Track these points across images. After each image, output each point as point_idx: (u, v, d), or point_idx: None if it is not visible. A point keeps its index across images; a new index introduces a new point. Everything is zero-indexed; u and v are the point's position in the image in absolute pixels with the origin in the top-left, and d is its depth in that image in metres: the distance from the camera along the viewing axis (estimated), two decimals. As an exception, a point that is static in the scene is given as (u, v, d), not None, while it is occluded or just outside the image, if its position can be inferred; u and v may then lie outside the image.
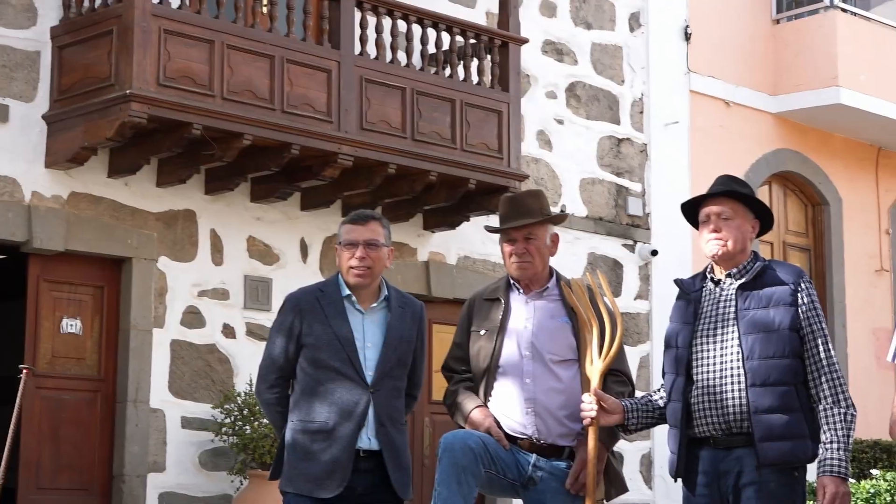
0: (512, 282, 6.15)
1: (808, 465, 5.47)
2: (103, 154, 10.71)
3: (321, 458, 5.85)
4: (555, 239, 6.19)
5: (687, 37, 15.35)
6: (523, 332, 6.01)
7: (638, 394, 6.07)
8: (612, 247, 14.25)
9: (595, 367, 5.70)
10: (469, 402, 6.02)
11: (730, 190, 5.62)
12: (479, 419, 5.93)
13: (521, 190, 6.18)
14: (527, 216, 6.05)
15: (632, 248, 14.44)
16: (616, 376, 6.01)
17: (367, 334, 5.99)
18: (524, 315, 6.05)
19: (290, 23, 10.91)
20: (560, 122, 14.05)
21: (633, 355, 14.04)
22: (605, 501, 5.94)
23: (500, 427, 5.93)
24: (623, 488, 6.03)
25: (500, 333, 6.03)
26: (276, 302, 10.71)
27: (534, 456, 5.91)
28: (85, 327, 10.77)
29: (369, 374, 5.92)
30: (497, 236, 6.23)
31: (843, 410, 5.40)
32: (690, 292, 5.68)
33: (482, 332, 6.08)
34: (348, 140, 11.04)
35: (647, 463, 14.13)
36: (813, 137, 16.48)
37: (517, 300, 6.10)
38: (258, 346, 10.72)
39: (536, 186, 13.45)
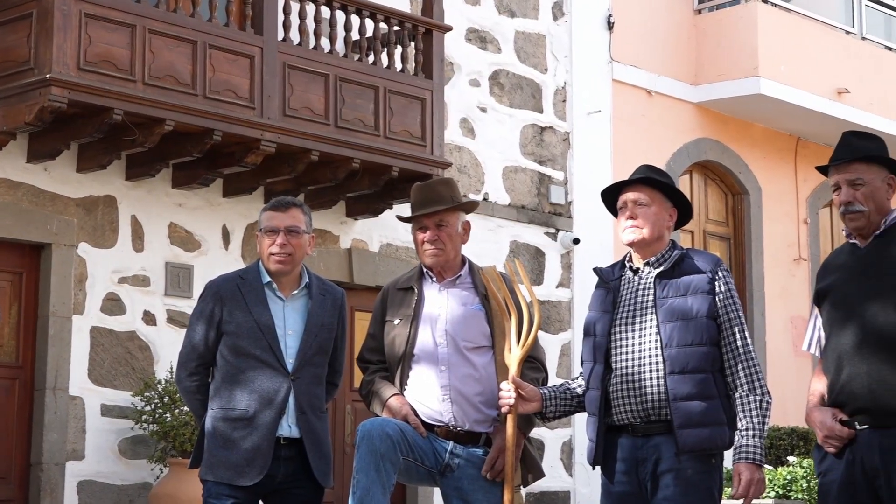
0: (425, 270, 6.16)
1: (725, 452, 5.54)
2: (22, 139, 10.59)
3: (241, 445, 5.85)
4: (466, 227, 6.21)
5: (610, 26, 15.42)
6: (437, 320, 6.03)
7: (557, 381, 6.11)
8: (534, 235, 14.29)
9: (513, 355, 5.72)
10: (386, 391, 6.03)
11: (647, 177, 5.66)
12: (396, 407, 5.94)
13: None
14: (437, 203, 6.06)
15: (554, 237, 14.49)
16: (531, 363, 6.04)
17: (288, 322, 5.98)
18: (438, 303, 6.07)
19: (212, 8, 10.83)
20: (483, 110, 14.07)
21: (554, 343, 14.12)
22: (521, 487, 5.98)
23: (416, 415, 5.95)
24: (539, 473, 6.06)
25: (414, 322, 6.04)
26: (198, 289, 10.64)
27: (450, 443, 5.93)
28: (3, 314, 10.64)
29: (290, 361, 5.92)
30: (410, 226, 6.25)
31: (758, 398, 5.47)
32: (609, 281, 5.71)
33: (396, 322, 6.09)
34: (271, 126, 10.99)
35: (567, 450, 14.20)
36: (733, 127, 16.62)
37: (430, 289, 6.12)
38: (179, 333, 10.66)
39: (459, 174, 13.47)
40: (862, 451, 5.25)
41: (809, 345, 5.68)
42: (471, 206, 6.35)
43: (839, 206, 5.47)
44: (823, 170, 5.63)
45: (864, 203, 5.39)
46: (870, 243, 5.43)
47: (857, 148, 5.48)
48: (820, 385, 5.50)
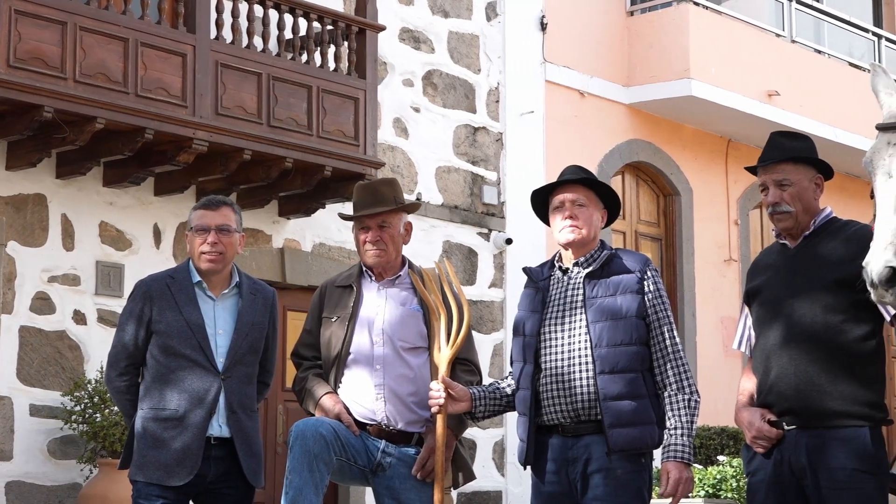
0: (364, 269, 6.17)
1: (655, 451, 5.58)
2: (-49, 136, 10.50)
3: (172, 445, 5.83)
4: (408, 227, 6.22)
5: (543, 27, 15.46)
6: (375, 320, 6.03)
7: (488, 381, 6.13)
8: (466, 235, 14.31)
9: (443, 354, 5.73)
10: (319, 389, 6.03)
11: (585, 178, 5.69)
12: (328, 406, 5.95)
13: (375, 178, 6.18)
14: (381, 204, 6.07)
15: (486, 237, 14.52)
16: (465, 365, 6.07)
17: (219, 321, 5.97)
18: (376, 303, 6.08)
19: (144, 5, 10.76)
20: (416, 109, 14.07)
21: (486, 343, 14.15)
22: (452, 489, 5.99)
23: (349, 413, 5.95)
24: (470, 475, 6.07)
25: (351, 320, 6.05)
26: (129, 288, 10.53)
27: (383, 442, 5.93)
28: (-70, 313, 10.55)
29: (220, 360, 5.91)
30: (351, 224, 6.25)
31: (687, 397, 5.51)
32: (539, 280, 5.74)
33: (334, 319, 6.09)
34: (203, 125, 10.94)
35: (499, 450, 14.23)
36: (665, 128, 16.71)
37: (369, 288, 6.13)
38: (109, 332, 10.56)
39: (392, 174, 13.46)
40: (789, 452, 5.31)
41: (740, 343, 5.73)
42: (413, 208, 6.38)
43: (767, 207, 5.53)
44: (752, 170, 5.68)
45: (791, 203, 5.44)
46: (799, 243, 5.49)
47: (785, 148, 5.54)
48: (749, 384, 5.55)
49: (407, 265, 6.19)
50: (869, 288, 4.49)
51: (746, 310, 5.68)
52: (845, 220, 5.57)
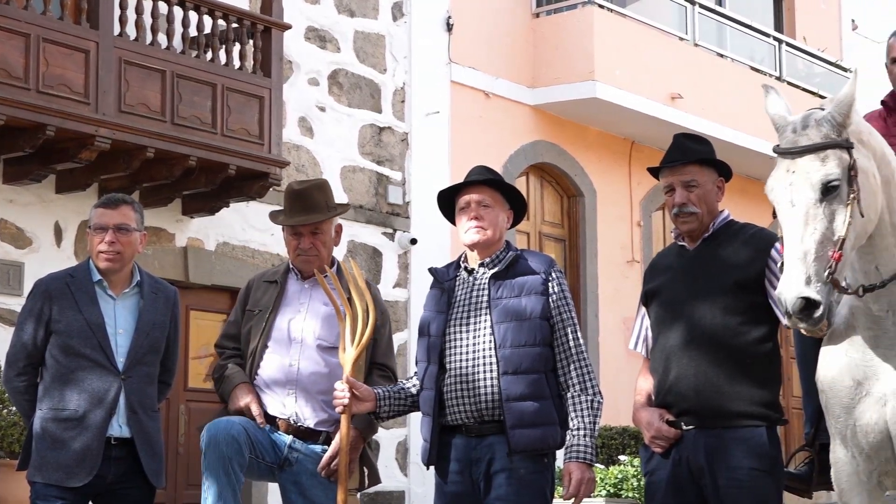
0: (292, 267, 6.19)
1: (557, 451, 5.60)
2: None
3: (71, 446, 5.77)
4: (339, 230, 6.27)
5: (449, 28, 15.49)
6: (296, 317, 6.06)
7: (392, 381, 6.13)
8: (371, 235, 14.30)
9: (347, 354, 5.73)
10: (235, 377, 6.07)
11: (490, 179, 5.71)
12: (240, 395, 5.96)
13: (302, 181, 6.17)
14: (313, 211, 6.07)
15: (391, 237, 14.52)
16: (382, 371, 6.09)
17: (119, 320, 5.93)
18: (299, 300, 6.10)
19: (46, 1, 10.65)
20: (322, 109, 14.03)
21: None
22: (357, 491, 5.99)
23: (260, 405, 5.96)
24: (376, 479, 6.08)
25: (271, 315, 6.07)
26: (28, 287, 10.42)
27: (290, 437, 5.93)
28: None
29: (121, 360, 5.87)
30: (277, 227, 6.25)
31: (590, 398, 5.54)
32: (444, 281, 5.74)
33: (256, 313, 6.13)
34: (106, 122, 10.84)
35: (402, 450, 14.23)
36: (569, 130, 16.80)
37: (294, 285, 6.16)
38: (9, 332, 10.43)
39: (298, 173, 13.41)
40: (688, 451, 5.36)
41: (636, 344, 5.78)
42: (344, 210, 6.38)
43: (672, 208, 5.56)
44: (655, 172, 5.72)
45: (697, 205, 5.49)
46: (698, 245, 5.54)
47: (690, 150, 5.58)
48: (646, 384, 5.60)
49: (336, 265, 6.19)
50: (783, 316, 4.55)
51: (643, 310, 5.72)
52: (743, 223, 5.64)
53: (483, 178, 5.70)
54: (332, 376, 5.94)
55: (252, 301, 6.19)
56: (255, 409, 5.91)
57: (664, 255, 5.80)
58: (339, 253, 13.37)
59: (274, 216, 6.32)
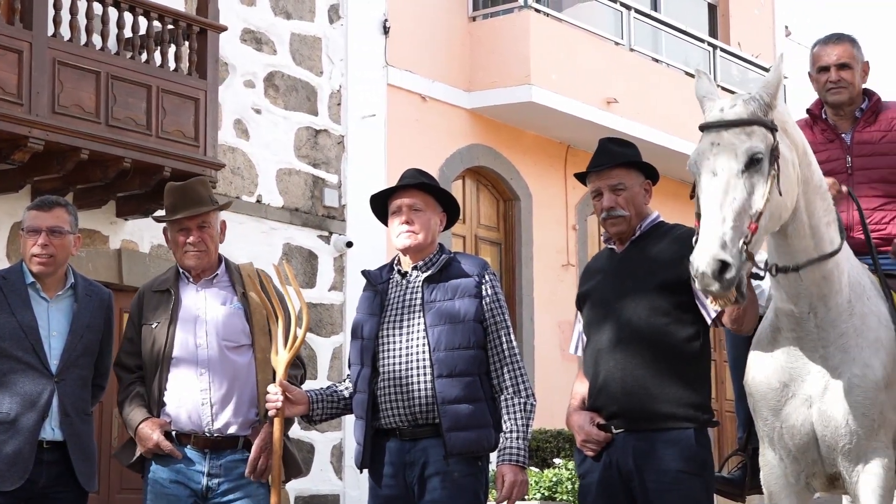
0: (181, 271, 6.09)
1: (491, 454, 5.62)
2: None
3: (2, 450, 5.73)
4: (223, 226, 6.18)
5: (385, 30, 15.49)
6: (197, 321, 5.96)
7: (326, 384, 6.12)
8: (307, 238, 14.27)
9: (280, 357, 5.71)
10: (136, 415, 5.92)
11: (421, 182, 5.72)
12: (146, 435, 5.85)
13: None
14: (199, 204, 6.01)
15: (327, 240, 14.50)
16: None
17: (53, 323, 5.88)
18: (196, 304, 6.00)
19: (-22, 0, 10.59)
20: (258, 111, 13.99)
21: (325, 347, 14.12)
22: (283, 484, 5.96)
23: (170, 435, 5.88)
24: (299, 471, 6.05)
25: (172, 324, 5.95)
26: (-40, 288, 10.35)
27: (205, 464, 5.86)
28: None
29: (54, 363, 5.82)
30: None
31: (523, 400, 5.57)
32: (377, 284, 5.75)
33: (154, 325, 5.98)
34: (39, 123, 10.76)
35: (337, 454, 14.20)
36: (506, 134, 16.84)
37: (188, 289, 6.05)
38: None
39: (233, 175, 13.38)
40: (618, 454, 5.40)
41: (576, 348, 5.81)
42: (226, 206, 6.35)
43: (601, 212, 5.60)
44: (582, 177, 5.75)
45: (625, 208, 5.53)
46: (627, 248, 5.58)
47: (616, 154, 5.63)
48: (582, 388, 5.63)
49: (224, 263, 6.14)
50: (694, 278, 4.58)
51: (579, 314, 5.76)
52: (672, 224, 5.69)
53: (414, 182, 5.71)
54: (243, 377, 5.90)
55: (146, 314, 6.05)
56: (165, 446, 5.84)
57: (596, 258, 5.84)
58: (274, 255, 13.42)
59: (158, 218, 6.23)
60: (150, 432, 5.84)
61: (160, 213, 6.39)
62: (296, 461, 6.05)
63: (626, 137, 6.02)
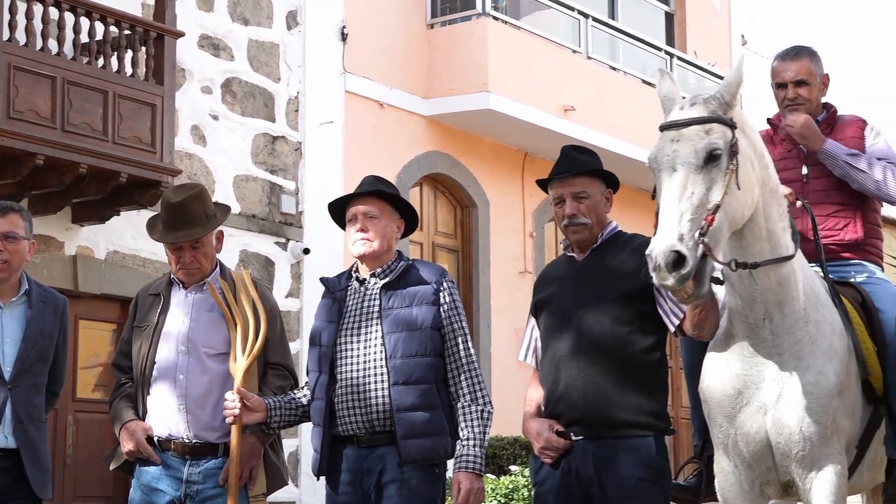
0: (173, 277, 6.08)
1: (448, 461, 5.63)
2: None
3: (-44, 457, 5.70)
4: (220, 236, 6.11)
5: (343, 37, 15.48)
6: (181, 328, 5.95)
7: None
8: (264, 244, 14.24)
9: (238, 364, 5.70)
10: (124, 414, 5.94)
11: (377, 190, 5.71)
12: (128, 436, 5.87)
13: (178, 188, 6.01)
14: (194, 224, 5.91)
15: (284, 246, 14.47)
16: (277, 370, 6.04)
17: (6, 329, 5.85)
18: (183, 310, 5.99)
19: (-67, 4, 10.51)
20: (215, 117, 13.95)
21: (283, 353, 14.07)
22: (264, 496, 5.95)
23: (151, 440, 5.87)
24: (282, 481, 6.05)
25: (156, 330, 5.96)
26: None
27: (184, 471, 5.85)
28: None
29: (7, 370, 5.80)
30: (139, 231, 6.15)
31: (480, 408, 5.57)
32: (336, 291, 5.75)
33: (143, 329, 6.01)
34: (-6, 129, 10.70)
35: (294, 461, 14.17)
36: (463, 141, 16.86)
37: (177, 295, 6.04)
38: None
39: (189, 181, 13.31)
40: (577, 461, 5.41)
41: (525, 354, 5.82)
42: (224, 217, 6.17)
43: (562, 219, 5.62)
44: (544, 184, 5.77)
45: (587, 216, 5.56)
46: (587, 256, 5.60)
47: (579, 162, 5.66)
48: (536, 394, 5.64)
49: (218, 269, 6.10)
50: (651, 272, 4.60)
51: (533, 321, 5.77)
52: (630, 234, 5.72)
53: (371, 190, 5.71)
54: (222, 384, 5.89)
55: (139, 317, 6.06)
56: (145, 449, 5.83)
57: (554, 265, 5.86)
58: (230, 262, 13.37)
59: (151, 228, 6.10)
60: (132, 434, 5.84)
61: (131, 213, 6.30)
62: (278, 471, 6.03)
63: (583, 145, 6.03)
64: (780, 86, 6.21)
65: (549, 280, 5.74)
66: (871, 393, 5.57)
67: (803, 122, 6.07)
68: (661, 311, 5.41)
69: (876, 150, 6.19)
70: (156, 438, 5.88)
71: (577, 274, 5.58)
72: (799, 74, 6.16)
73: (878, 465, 5.80)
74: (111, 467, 6.06)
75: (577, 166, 5.63)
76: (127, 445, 5.85)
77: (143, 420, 5.92)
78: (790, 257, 5.21)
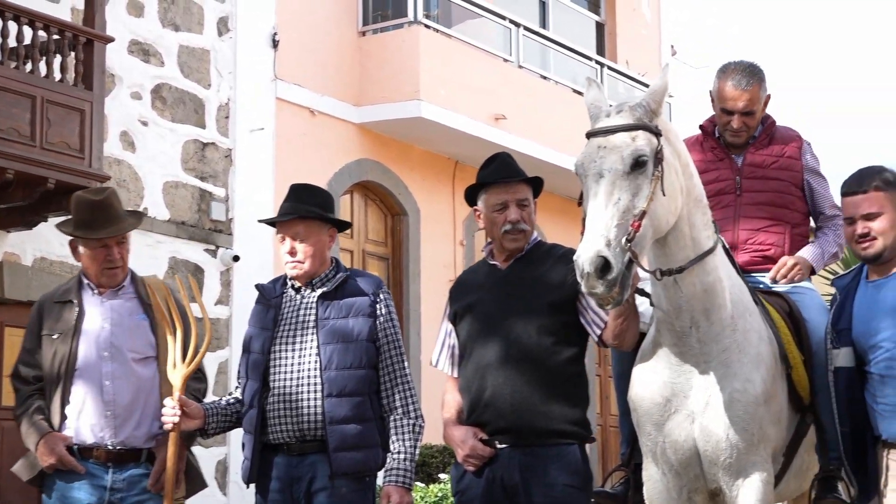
0: (86, 282, 6.02)
1: (379, 472, 5.64)
2: None
3: None
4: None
5: (275, 44, 15.43)
6: (101, 332, 5.91)
7: (211, 398, 6.08)
8: (194, 251, 14.15)
9: (178, 372, 5.67)
10: (37, 429, 5.86)
11: (300, 215, 5.68)
12: (48, 450, 5.79)
13: (91, 190, 6.00)
14: (119, 220, 5.93)
15: (214, 254, 14.38)
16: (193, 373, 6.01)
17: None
18: (100, 315, 5.95)
19: None
20: (144, 123, 13.85)
21: (212, 361, 14.00)
22: (185, 499, 5.94)
23: (71, 450, 5.81)
24: (202, 484, 6.04)
25: (75, 336, 5.90)
26: None
27: (108, 478, 5.81)
28: None
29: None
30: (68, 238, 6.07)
31: (412, 421, 5.60)
32: (271, 298, 5.73)
33: (55, 336, 5.92)
34: (-82, 134, 10.58)
35: (222, 469, 14.10)
36: (394, 149, 16.85)
37: (91, 300, 5.99)
38: None
39: (119, 188, 13.22)
40: (502, 469, 5.43)
41: (438, 360, 5.81)
42: (139, 221, 6.26)
43: (503, 225, 5.61)
44: (474, 190, 5.76)
45: (528, 223, 5.59)
46: (511, 265, 5.61)
47: (520, 170, 5.69)
48: (455, 401, 5.64)
49: (130, 275, 6.07)
50: (579, 279, 4.63)
51: (449, 327, 5.75)
52: (551, 244, 5.75)
53: (292, 216, 5.68)
54: (147, 389, 5.87)
55: (48, 325, 5.97)
56: (68, 462, 5.79)
57: (473, 272, 5.84)
58: (159, 269, 13.29)
59: (77, 228, 6.00)
60: (52, 447, 5.77)
61: (59, 220, 6.21)
62: (199, 475, 6.02)
63: (513, 154, 6.05)
64: (726, 111, 6.21)
65: (469, 287, 5.73)
66: (798, 401, 5.63)
67: (796, 272, 6.10)
68: (584, 322, 5.45)
69: (816, 177, 6.30)
70: (75, 447, 5.82)
71: (501, 283, 5.58)
72: (748, 107, 6.16)
73: (804, 473, 5.88)
74: (25, 479, 5.99)
75: (518, 173, 5.67)
76: (48, 460, 5.78)
77: (60, 429, 5.85)
78: (711, 250, 5.24)
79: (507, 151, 5.98)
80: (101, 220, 5.90)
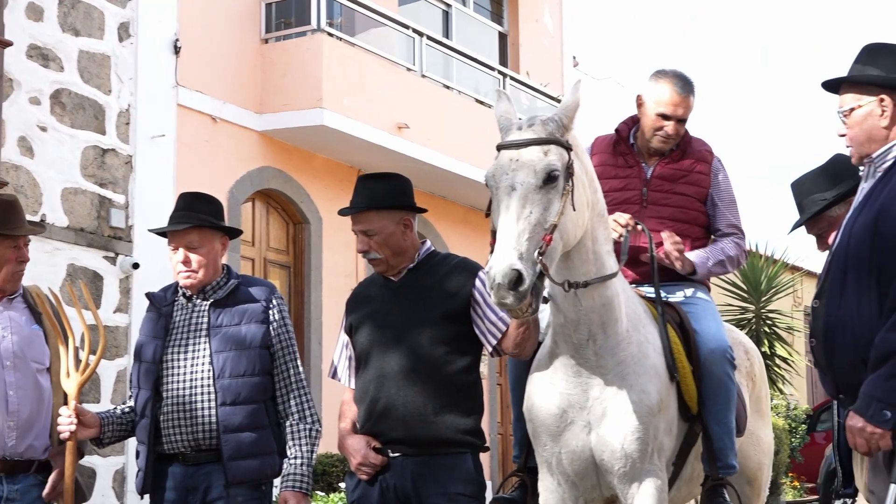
0: None
1: (275, 479, 5.63)
2: None
3: None
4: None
5: (176, 50, 15.33)
6: (2, 343, 5.83)
7: (108, 406, 6.04)
8: (92, 259, 14.02)
9: (72, 380, 5.61)
10: None
11: (194, 224, 5.66)
12: None
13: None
14: (24, 223, 5.88)
15: (113, 261, 14.26)
16: None
17: None
18: (1, 324, 5.87)
19: None
20: (43, 129, 13.70)
21: (110, 370, 13.89)
22: None
23: None
24: (84, 496, 5.97)
25: None
26: None
27: (3, 489, 5.74)
28: None
29: None
30: None
31: (308, 426, 5.59)
32: (162, 306, 5.70)
33: None
34: None
35: (119, 479, 13.98)
36: (297, 157, 16.81)
37: None
38: None
39: (17, 194, 13.07)
40: (395, 478, 5.42)
41: (335, 372, 5.81)
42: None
43: (358, 251, 5.63)
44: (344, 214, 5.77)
45: (379, 251, 5.54)
46: (403, 276, 5.58)
47: (368, 195, 5.60)
48: (351, 412, 5.64)
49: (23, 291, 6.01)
50: (489, 290, 4.66)
51: (346, 339, 5.72)
52: (445, 254, 5.76)
53: (187, 226, 5.66)
54: (47, 399, 5.81)
55: None
56: None
57: (368, 284, 5.81)
58: (57, 276, 13.15)
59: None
60: None
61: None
62: (80, 487, 5.96)
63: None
64: (660, 115, 6.26)
65: (364, 299, 5.71)
66: (686, 411, 5.72)
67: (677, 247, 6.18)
68: (477, 332, 5.44)
69: (722, 194, 6.38)
70: None
71: (394, 294, 5.56)
72: (685, 115, 6.27)
73: (694, 480, 5.98)
74: None
75: (363, 201, 5.59)
76: None
77: None
78: (613, 275, 5.33)
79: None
80: (17, 220, 5.84)
